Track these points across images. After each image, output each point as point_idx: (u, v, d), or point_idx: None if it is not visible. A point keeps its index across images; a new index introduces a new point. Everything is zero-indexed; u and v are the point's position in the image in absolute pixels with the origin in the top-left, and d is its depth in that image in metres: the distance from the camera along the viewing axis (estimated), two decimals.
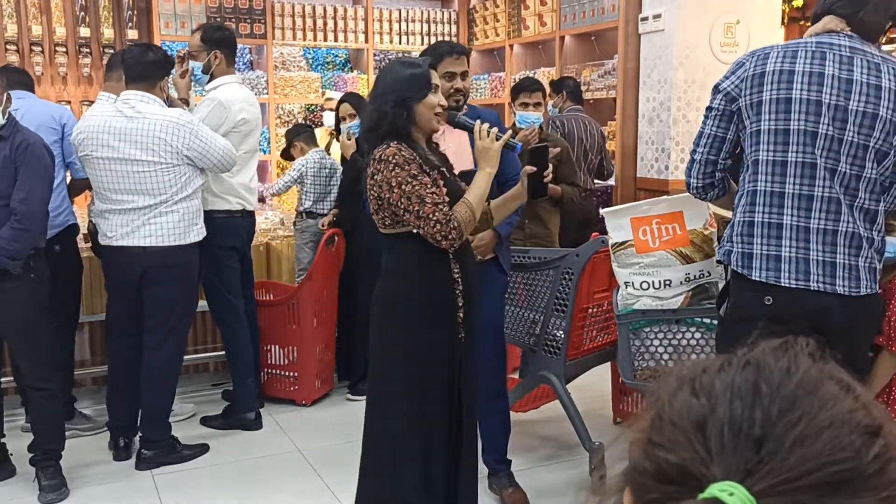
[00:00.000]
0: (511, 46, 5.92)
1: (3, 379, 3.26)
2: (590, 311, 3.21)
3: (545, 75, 5.47)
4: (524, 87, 3.84)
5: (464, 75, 2.87)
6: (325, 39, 5.95)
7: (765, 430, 0.54)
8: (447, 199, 2.24)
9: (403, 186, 2.18)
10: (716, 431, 0.54)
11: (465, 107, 2.88)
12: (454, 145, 2.89)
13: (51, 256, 3.31)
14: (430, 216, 2.18)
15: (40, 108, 3.49)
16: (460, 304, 2.32)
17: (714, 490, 0.52)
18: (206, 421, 3.74)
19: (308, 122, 6.11)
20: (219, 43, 3.54)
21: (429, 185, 2.20)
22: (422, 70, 2.26)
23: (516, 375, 4.18)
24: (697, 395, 0.58)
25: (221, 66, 3.56)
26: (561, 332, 3.14)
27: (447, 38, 6.30)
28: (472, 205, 2.26)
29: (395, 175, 2.18)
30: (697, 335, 2.77)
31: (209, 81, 3.57)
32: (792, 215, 2.05)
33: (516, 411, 3.57)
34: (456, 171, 2.80)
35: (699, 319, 2.76)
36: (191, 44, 3.61)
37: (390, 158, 2.19)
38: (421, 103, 2.25)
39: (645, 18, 4.63)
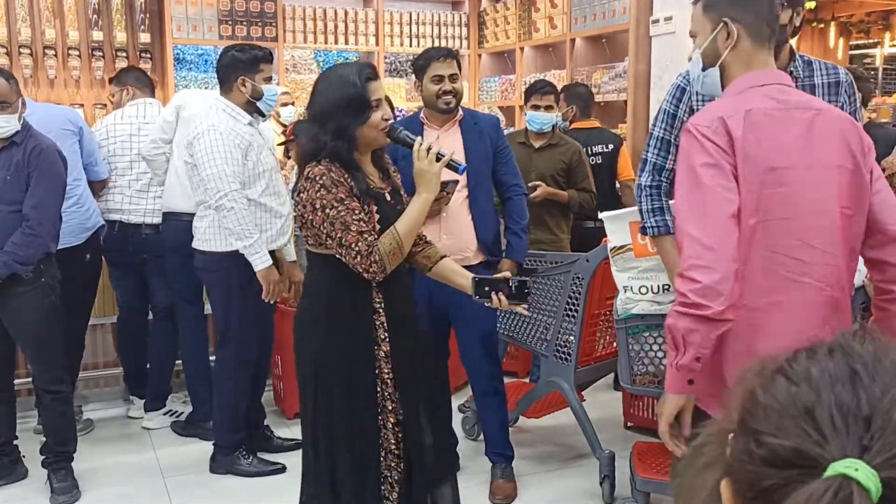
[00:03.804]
0: (521, 49, 5.91)
1: (15, 381, 3.28)
2: (602, 316, 3.20)
3: (556, 78, 5.46)
4: (536, 89, 3.84)
5: (453, 78, 2.91)
6: (336, 42, 5.95)
7: (871, 408, 0.58)
8: (377, 226, 2.10)
9: (328, 210, 2.04)
10: (825, 415, 0.58)
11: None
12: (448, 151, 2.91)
13: (83, 265, 3.41)
14: (353, 246, 2.04)
15: (53, 111, 3.52)
16: (383, 338, 2.15)
17: (839, 467, 0.55)
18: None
19: None
20: None
21: (356, 212, 2.06)
22: (358, 90, 2.08)
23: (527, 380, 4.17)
24: (797, 384, 0.61)
25: None
26: (573, 338, 3.13)
27: (458, 41, 6.30)
28: (400, 235, 2.09)
29: (320, 196, 2.04)
30: None
31: None
32: None
33: (528, 417, 3.57)
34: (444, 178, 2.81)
35: None
36: None
37: (317, 178, 2.05)
38: (363, 126, 2.10)
39: (656, 21, 4.61)
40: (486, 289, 2.19)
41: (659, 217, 2.41)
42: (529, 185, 3.72)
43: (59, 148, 3.00)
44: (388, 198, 2.20)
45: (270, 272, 3.06)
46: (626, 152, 4.27)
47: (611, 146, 4.18)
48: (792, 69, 2.15)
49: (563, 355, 3.15)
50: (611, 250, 2.82)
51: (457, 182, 2.85)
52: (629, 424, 3.73)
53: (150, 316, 3.86)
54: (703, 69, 1.92)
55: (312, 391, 2.18)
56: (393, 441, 2.18)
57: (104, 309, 3.92)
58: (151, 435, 3.69)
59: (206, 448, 3.39)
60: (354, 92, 2.08)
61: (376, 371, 2.15)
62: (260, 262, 3.03)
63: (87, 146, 3.51)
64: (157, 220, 3.61)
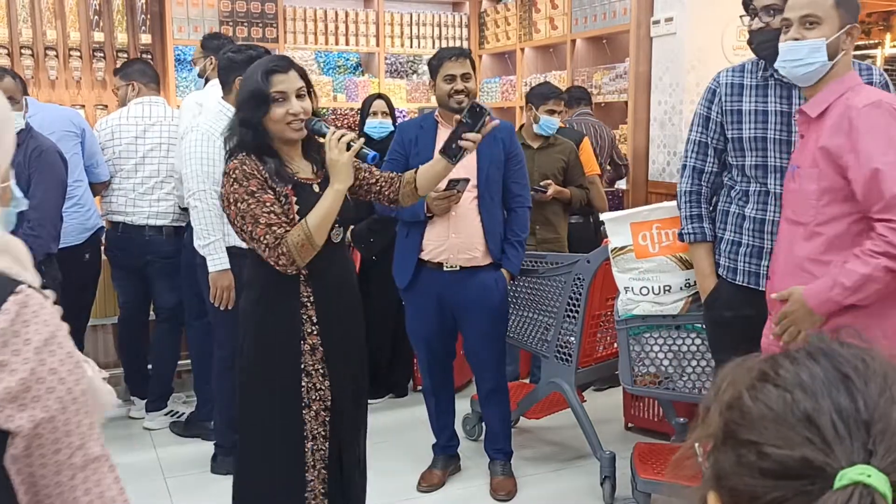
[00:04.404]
0: (522, 50, 5.91)
1: None
2: (602, 317, 3.21)
3: (557, 79, 5.46)
4: (553, 95, 3.87)
5: (465, 77, 2.94)
6: (337, 43, 5.95)
7: (870, 412, 0.57)
8: (296, 217, 2.11)
9: (239, 204, 2.08)
10: (827, 422, 0.57)
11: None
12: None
13: (81, 265, 3.39)
14: (261, 239, 2.06)
15: (56, 113, 3.53)
16: (310, 332, 2.17)
17: (852, 475, 0.54)
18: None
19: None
20: (214, 50, 3.54)
21: (267, 204, 2.07)
22: (257, 86, 2.11)
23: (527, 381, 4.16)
24: (790, 391, 0.59)
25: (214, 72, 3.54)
26: (573, 338, 3.13)
27: (458, 42, 6.31)
28: (309, 227, 2.07)
29: (233, 191, 2.09)
30: (698, 341, 2.75)
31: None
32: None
33: (529, 417, 3.57)
34: (451, 176, 2.80)
35: (699, 325, 2.74)
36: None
37: (230, 173, 2.10)
38: (266, 119, 2.12)
39: (657, 22, 4.61)
40: (453, 146, 2.25)
41: (696, 224, 2.42)
42: (541, 183, 3.72)
43: (60, 149, 3.01)
44: (317, 189, 2.19)
45: (221, 277, 3.03)
46: (588, 148, 4.25)
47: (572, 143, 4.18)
48: None
49: (563, 356, 3.15)
50: (612, 251, 2.82)
51: (467, 181, 2.85)
52: (630, 425, 3.73)
53: (151, 317, 3.87)
54: (829, 59, 2.03)
55: (241, 382, 2.24)
56: (321, 428, 2.21)
57: (104, 309, 3.93)
58: (152, 435, 3.69)
59: (208, 448, 3.39)
60: (255, 86, 2.13)
61: (301, 365, 2.17)
62: (212, 264, 3.03)
63: (88, 148, 3.52)
64: (161, 222, 3.61)
